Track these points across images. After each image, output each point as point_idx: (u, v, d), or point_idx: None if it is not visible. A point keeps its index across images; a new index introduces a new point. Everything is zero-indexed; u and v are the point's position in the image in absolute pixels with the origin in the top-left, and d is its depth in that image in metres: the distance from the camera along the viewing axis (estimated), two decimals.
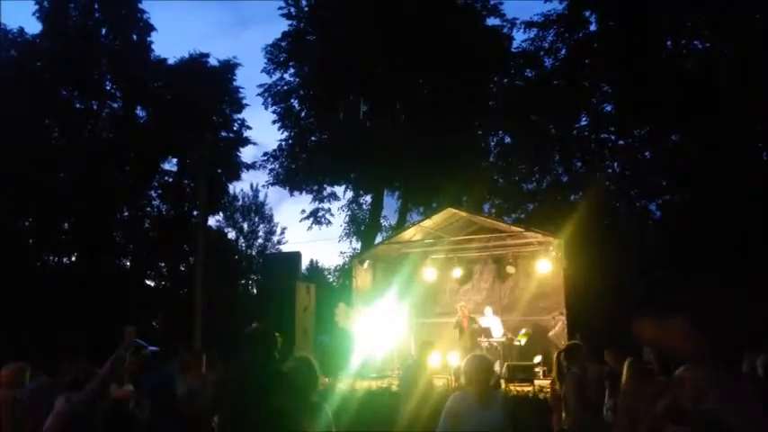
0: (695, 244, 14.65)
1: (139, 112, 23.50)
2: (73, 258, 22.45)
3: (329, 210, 23.69)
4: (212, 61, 23.77)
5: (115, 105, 23.32)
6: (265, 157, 23.46)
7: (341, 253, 26.32)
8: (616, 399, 5.88)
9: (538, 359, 11.51)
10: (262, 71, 22.86)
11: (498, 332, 12.11)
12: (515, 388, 9.70)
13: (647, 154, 19.57)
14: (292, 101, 23.02)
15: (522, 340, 12.17)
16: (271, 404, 3.65)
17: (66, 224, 22.30)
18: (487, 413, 3.99)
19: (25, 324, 15.82)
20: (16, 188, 19.58)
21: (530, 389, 9.57)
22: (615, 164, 20.19)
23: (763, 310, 11.85)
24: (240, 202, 33.45)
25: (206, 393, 5.75)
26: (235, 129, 24.61)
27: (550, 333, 12.44)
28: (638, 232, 17.88)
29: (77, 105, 22.81)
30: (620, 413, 5.40)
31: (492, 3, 22.03)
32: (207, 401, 4.86)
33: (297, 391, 3.70)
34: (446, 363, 11.85)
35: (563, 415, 6.44)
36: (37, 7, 21.77)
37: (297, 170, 23.02)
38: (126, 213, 23.52)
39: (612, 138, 20.11)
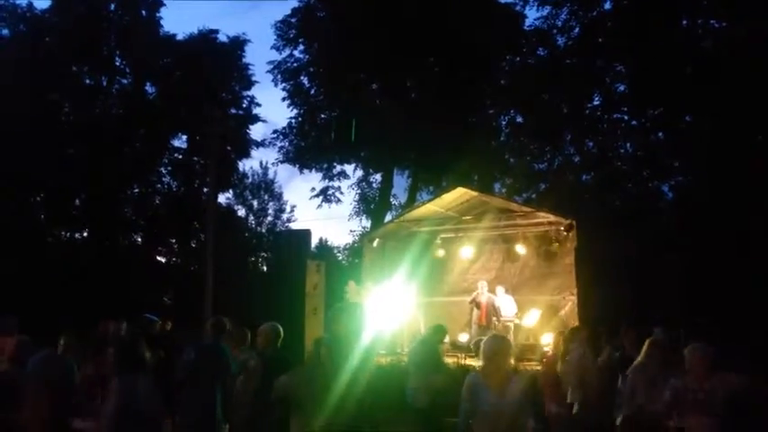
0: (708, 225, 14.54)
1: (149, 88, 23.49)
2: (84, 234, 22.60)
3: (339, 188, 23.77)
4: (222, 38, 23.69)
5: (125, 81, 23.31)
6: (275, 135, 23.49)
7: (351, 231, 26.41)
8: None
9: (547, 338, 11.50)
10: (271, 48, 22.79)
11: (510, 311, 12.10)
12: (524, 367, 9.71)
13: (660, 135, 19.37)
14: (302, 78, 22.89)
15: (531, 320, 12.18)
16: None
17: (77, 200, 22.41)
18: (502, 393, 3.86)
19: (37, 298, 15.94)
20: (28, 164, 19.65)
21: (539, 367, 9.58)
22: (628, 144, 20.01)
23: None
24: (250, 180, 33.42)
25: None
26: (244, 106, 24.56)
27: (561, 313, 12.42)
28: (650, 213, 17.75)
29: (87, 81, 22.82)
30: (628, 385, 5.35)
31: None
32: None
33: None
34: (456, 341, 11.93)
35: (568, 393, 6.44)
36: None
37: (306, 148, 22.98)
38: (136, 190, 23.61)
39: (626, 118, 19.90)
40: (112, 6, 22.63)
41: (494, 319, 11.87)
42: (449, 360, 10.03)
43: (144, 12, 22.91)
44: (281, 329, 5.91)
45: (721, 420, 4.56)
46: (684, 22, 18.71)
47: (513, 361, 4.15)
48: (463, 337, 12.06)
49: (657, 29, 17.55)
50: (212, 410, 5.31)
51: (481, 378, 3.95)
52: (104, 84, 22.95)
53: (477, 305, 11.90)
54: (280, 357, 5.57)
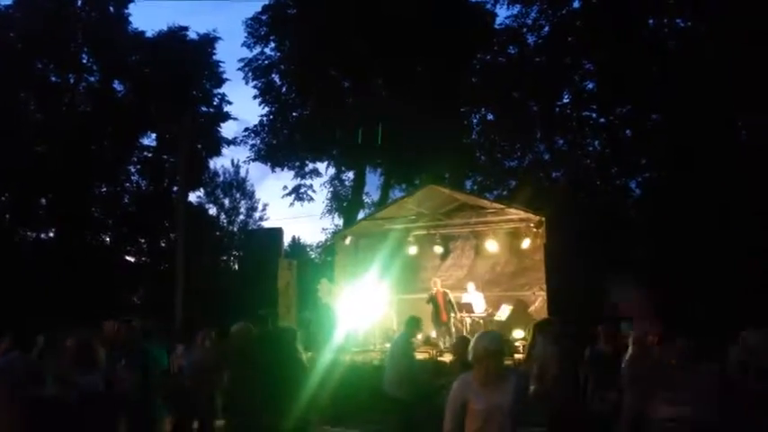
0: (675, 221, 14.84)
1: (117, 86, 23.13)
2: (51, 234, 22.18)
3: (311, 186, 23.69)
4: (192, 35, 23.42)
5: (92, 79, 22.90)
6: (246, 133, 23.33)
7: (323, 229, 26.35)
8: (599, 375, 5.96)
9: (519, 334, 11.64)
10: (242, 45, 22.62)
11: (480, 308, 12.22)
12: None
13: (627, 132, 19.71)
14: (273, 76, 22.77)
15: (502, 315, 12.31)
16: None
17: (43, 200, 21.97)
18: (493, 395, 3.68)
19: (4, 299, 15.63)
20: None
21: (510, 362, 9.70)
22: (596, 142, 20.32)
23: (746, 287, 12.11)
24: (221, 178, 33.08)
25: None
26: (215, 104, 24.33)
27: (531, 308, 12.57)
28: (618, 210, 18.05)
29: (53, 79, 22.35)
30: (628, 383, 5.47)
31: None
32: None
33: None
34: (429, 337, 12.02)
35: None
36: None
37: (278, 146, 22.87)
38: (104, 189, 23.23)
39: (594, 116, 20.21)
40: (79, 2, 22.21)
41: (465, 314, 11.98)
42: (423, 355, 10.10)
43: (112, 8, 22.52)
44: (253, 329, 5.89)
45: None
46: (651, 21, 19.07)
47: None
48: (434, 333, 12.15)
49: (625, 28, 17.86)
50: None
51: (470, 377, 3.77)
52: (71, 81, 22.52)
53: (436, 304, 11.93)
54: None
